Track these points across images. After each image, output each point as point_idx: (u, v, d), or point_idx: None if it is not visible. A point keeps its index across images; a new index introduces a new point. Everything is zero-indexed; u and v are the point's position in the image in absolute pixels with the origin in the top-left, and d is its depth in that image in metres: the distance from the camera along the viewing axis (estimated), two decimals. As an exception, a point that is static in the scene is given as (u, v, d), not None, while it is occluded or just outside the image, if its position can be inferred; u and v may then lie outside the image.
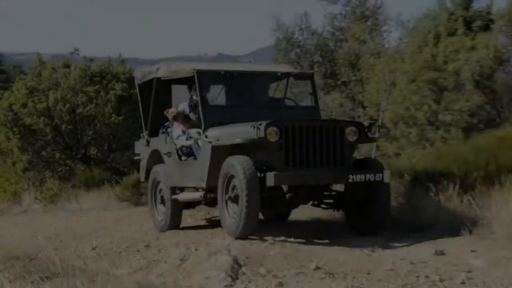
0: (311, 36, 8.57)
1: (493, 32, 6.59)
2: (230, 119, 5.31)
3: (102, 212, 8.23)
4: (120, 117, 10.48)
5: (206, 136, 5.26)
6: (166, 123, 6.09)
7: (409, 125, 7.32)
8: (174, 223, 5.85)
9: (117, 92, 10.48)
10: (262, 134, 4.68)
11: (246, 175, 4.56)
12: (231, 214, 4.87)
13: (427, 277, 3.80)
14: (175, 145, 5.77)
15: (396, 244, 4.78)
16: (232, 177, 4.80)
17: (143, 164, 6.44)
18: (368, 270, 4.04)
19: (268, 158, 4.83)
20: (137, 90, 6.59)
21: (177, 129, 5.84)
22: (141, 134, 6.47)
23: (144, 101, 6.32)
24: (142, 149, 6.49)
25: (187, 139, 5.67)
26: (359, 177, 4.77)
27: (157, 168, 6.10)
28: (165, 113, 5.70)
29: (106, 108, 10.50)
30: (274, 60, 9.90)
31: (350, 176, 4.78)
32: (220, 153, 5.08)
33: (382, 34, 9.48)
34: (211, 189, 5.26)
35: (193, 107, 5.84)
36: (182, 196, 5.80)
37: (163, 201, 6.00)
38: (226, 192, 4.93)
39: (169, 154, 5.85)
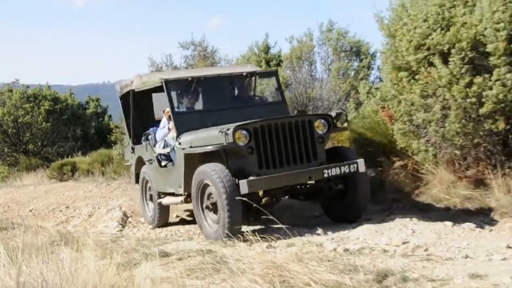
0: (173, 70, 10.68)
1: (282, 67, 10.06)
2: (202, 124, 5.11)
3: (37, 186, 10.40)
4: (48, 124, 15.15)
5: (179, 143, 5.07)
6: (147, 132, 6.03)
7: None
8: (163, 221, 5.93)
9: (46, 107, 15.23)
10: (231, 139, 4.39)
11: (224, 184, 4.25)
12: (210, 223, 4.60)
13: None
14: (154, 152, 5.69)
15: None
16: (206, 185, 4.52)
17: (132, 170, 6.54)
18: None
19: (241, 162, 4.51)
20: (119, 102, 6.57)
21: (161, 131, 5.66)
22: (128, 142, 6.48)
23: (127, 111, 6.29)
24: (129, 155, 6.55)
25: (164, 147, 5.56)
26: (334, 171, 4.49)
27: (146, 169, 6.07)
28: (162, 112, 5.60)
29: (39, 118, 15.09)
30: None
31: (325, 171, 4.48)
32: (193, 160, 4.88)
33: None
34: (190, 194, 4.96)
35: None
36: (166, 201, 5.73)
37: (151, 199, 6.03)
38: (202, 201, 4.65)
39: (150, 161, 5.83)
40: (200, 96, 5.57)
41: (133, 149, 6.30)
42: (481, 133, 4.48)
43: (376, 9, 5.28)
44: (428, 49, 4.57)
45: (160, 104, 5.73)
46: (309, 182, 4.75)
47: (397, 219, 4.42)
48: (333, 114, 5.11)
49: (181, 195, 5.22)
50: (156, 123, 5.83)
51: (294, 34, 18.36)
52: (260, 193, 4.43)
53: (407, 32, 4.75)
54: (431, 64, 4.59)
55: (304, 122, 4.72)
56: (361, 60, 10.75)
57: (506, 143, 4.60)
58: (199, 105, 5.58)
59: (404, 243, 3.57)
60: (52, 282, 2.44)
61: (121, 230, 6.06)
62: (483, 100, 4.25)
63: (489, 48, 4.18)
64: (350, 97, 8.82)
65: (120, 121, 11.09)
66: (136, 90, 5.91)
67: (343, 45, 10.78)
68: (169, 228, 5.85)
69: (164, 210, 5.85)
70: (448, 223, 4.12)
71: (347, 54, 10.75)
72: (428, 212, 4.82)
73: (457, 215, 4.55)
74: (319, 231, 4.38)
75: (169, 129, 5.49)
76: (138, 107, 6.08)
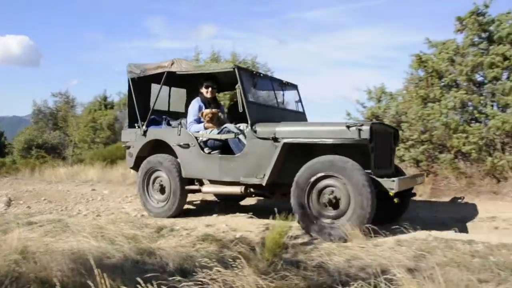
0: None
1: (114, 108, 17.49)
2: (265, 117, 5.24)
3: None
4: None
5: (255, 132, 5.06)
6: (164, 116, 6.21)
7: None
8: (179, 210, 5.89)
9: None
10: (366, 136, 4.39)
11: (362, 179, 4.17)
12: (326, 222, 4.39)
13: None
14: (196, 138, 5.60)
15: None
16: (324, 178, 4.40)
17: (133, 152, 6.23)
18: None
19: (358, 160, 4.38)
20: (130, 84, 6.24)
21: (195, 125, 5.72)
22: (136, 125, 6.21)
23: (139, 94, 6.23)
24: (133, 138, 6.23)
25: (220, 133, 5.49)
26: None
27: (157, 158, 5.92)
28: (199, 114, 5.69)
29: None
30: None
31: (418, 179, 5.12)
32: (293, 151, 4.84)
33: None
34: (269, 185, 4.98)
35: (206, 104, 5.84)
36: (208, 189, 5.68)
37: (162, 190, 5.92)
38: (319, 197, 4.46)
39: (185, 145, 5.67)
40: (260, 91, 5.88)
41: (145, 132, 6.08)
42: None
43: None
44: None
45: (160, 94, 6.02)
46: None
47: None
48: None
49: (244, 184, 5.18)
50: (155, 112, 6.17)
51: (121, 89, 26.58)
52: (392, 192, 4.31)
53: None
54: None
55: (396, 132, 5.41)
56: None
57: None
58: (258, 99, 5.75)
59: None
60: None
61: (6, 209, 7.54)
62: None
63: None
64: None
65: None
66: (177, 73, 5.78)
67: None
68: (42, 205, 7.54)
69: (184, 199, 5.87)
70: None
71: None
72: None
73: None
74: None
75: (205, 128, 5.61)
76: (142, 92, 6.27)
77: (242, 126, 5.51)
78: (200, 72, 5.74)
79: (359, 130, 4.42)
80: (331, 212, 4.41)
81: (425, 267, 3.06)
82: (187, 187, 5.80)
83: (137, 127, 6.18)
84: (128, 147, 6.32)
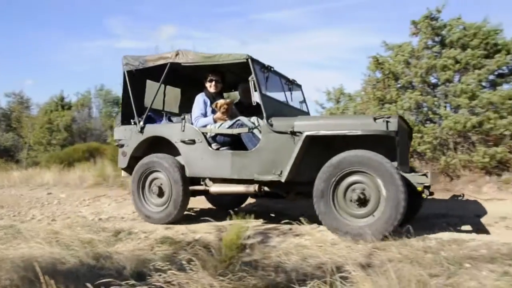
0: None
1: (72, 110, 19.47)
2: (277, 111, 4.97)
3: None
4: None
5: (271, 125, 4.73)
6: (163, 112, 5.84)
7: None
8: (181, 214, 5.35)
9: None
10: (394, 128, 4.21)
11: (397, 176, 4.02)
12: (352, 221, 4.21)
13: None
14: (203, 133, 5.17)
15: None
16: (352, 173, 4.22)
17: (126, 151, 5.68)
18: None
19: (384, 153, 4.22)
20: (126, 77, 5.71)
21: (202, 119, 5.34)
22: (132, 121, 5.68)
23: (135, 89, 5.76)
24: (128, 135, 5.68)
25: (231, 127, 5.08)
26: None
27: (155, 157, 5.42)
28: (213, 106, 5.31)
29: None
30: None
31: None
32: (310, 146, 4.58)
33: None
34: (266, 182, 4.77)
35: (211, 99, 5.47)
36: (218, 189, 5.18)
37: (160, 193, 5.39)
38: (345, 193, 4.26)
39: (190, 142, 5.21)
40: (271, 86, 5.43)
41: (142, 128, 5.56)
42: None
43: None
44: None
45: (154, 91, 5.63)
46: None
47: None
48: None
49: (258, 182, 4.81)
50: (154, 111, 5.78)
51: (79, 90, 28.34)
52: (420, 187, 4.18)
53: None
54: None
55: (410, 130, 5.31)
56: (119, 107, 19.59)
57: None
58: (273, 94, 5.40)
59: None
60: None
61: None
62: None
63: None
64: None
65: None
66: (182, 64, 5.34)
67: (111, 98, 22.65)
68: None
69: (186, 201, 5.35)
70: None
71: (112, 104, 22.55)
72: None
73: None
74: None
75: (214, 121, 5.25)
76: (137, 87, 5.81)
77: (253, 119, 5.14)
78: (209, 63, 5.22)
79: (387, 122, 4.22)
80: (359, 210, 4.21)
81: (379, 264, 3.13)
82: (191, 187, 5.32)
83: (133, 123, 5.66)
84: (121, 146, 5.74)
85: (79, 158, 13.09)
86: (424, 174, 4.14)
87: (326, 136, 4.45)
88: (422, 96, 8.07)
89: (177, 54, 5.34)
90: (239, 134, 5.01)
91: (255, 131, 4.97)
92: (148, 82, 5.96)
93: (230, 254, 3.34)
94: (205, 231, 4.86)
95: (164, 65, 5.42)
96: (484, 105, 7.46)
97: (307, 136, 4.45)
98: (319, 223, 4.51)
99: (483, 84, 7.88)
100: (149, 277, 2.80)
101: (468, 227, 5.02)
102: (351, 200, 4.21)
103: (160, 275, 2.69)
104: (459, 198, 6.73)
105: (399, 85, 8.52)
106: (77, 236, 4.60)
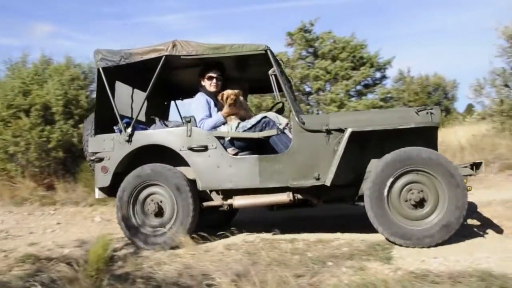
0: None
1: None
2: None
3: None
4: None
5: (303, 123, 4.19)
6: (153, 117, 4.88)
7: None
8: (189, 235, 4.26)
9: None
10: (437, 119, 4.05)
11: (458, 173, 3.78)
12: (408, 226, 3.87)
13: None
14: (216, 137, 4.39)
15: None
16: (405, 173, 3.90)
17: (108, 165, 4.56)
18: None
19: (420, 145, 4.02)
20: (102, 74, 4.57)
21: (207, 121, 4.54)
22: (115, 128, 4.64)
23: (113, 89, 4.72)
24: (109, 146, 4.58)
25: (254, 128, 4.39)
26: None
27: (152, 168, 4.45)
28: (218, 97, 4.57)
29: None
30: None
31: None
32: (362, 142, 4.17)
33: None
34: (299, 189, 4.24)
35: (213, 97, 4.75)
36: (245, 201, 4.37)
37: (159, 212, 4.42)
38: (399, 196, 3.92)
39: (201, 148, 4.38)
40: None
41: (130, 136, 4.53)
42: (50, 158, 8.09)
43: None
44: (16, 107, 8.12)
45: (122, 96, 4.78)
46: None
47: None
48: None
49: (292, 189, 4.23)
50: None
51: None
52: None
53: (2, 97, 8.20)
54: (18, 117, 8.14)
55: None
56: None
57: (65, 164, 8.41)
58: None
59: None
60: None
61: None
62: (50, 139, 7.81)
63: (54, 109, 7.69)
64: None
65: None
66: (182, 57, 4.49)
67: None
68: None
69: (195, 220, 4.40)
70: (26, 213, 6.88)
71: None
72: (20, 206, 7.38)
73: (35, 208, 7.26)
74: None
75: (224, 118, 4.52)
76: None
77: (273, 116, 4.60)
78: (217, 55, 4.40)
79: (431, 113, 4.00)
80: (417, 212, 3.91)
81: (246, 269, 3.21)
82: (205, 204, 4.51)
83: (116, 131, 4.61)
84: (99, 160, 4.59)
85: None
86: (478, 163, 3.96)
87: (365, 132, 4.07)
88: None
89: (174, 46, 4.46)
90: (266, 137, 4.37)
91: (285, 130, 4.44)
92: (118, 84, 4.91)
93: (97, 268, 3.19)
94: (75, 245, 4.58)
95: (156, 59, 4.49)
96: (351, 113, 8.15)
97: (352, 133, 4.02)
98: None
99: (351, 93, 8.58)
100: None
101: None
102: (410, 204, 3.92)
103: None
104: None
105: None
106: None
